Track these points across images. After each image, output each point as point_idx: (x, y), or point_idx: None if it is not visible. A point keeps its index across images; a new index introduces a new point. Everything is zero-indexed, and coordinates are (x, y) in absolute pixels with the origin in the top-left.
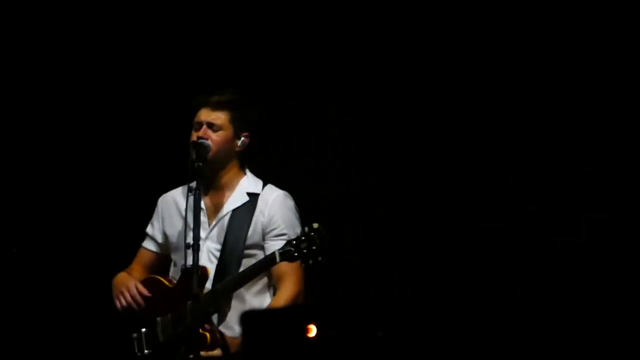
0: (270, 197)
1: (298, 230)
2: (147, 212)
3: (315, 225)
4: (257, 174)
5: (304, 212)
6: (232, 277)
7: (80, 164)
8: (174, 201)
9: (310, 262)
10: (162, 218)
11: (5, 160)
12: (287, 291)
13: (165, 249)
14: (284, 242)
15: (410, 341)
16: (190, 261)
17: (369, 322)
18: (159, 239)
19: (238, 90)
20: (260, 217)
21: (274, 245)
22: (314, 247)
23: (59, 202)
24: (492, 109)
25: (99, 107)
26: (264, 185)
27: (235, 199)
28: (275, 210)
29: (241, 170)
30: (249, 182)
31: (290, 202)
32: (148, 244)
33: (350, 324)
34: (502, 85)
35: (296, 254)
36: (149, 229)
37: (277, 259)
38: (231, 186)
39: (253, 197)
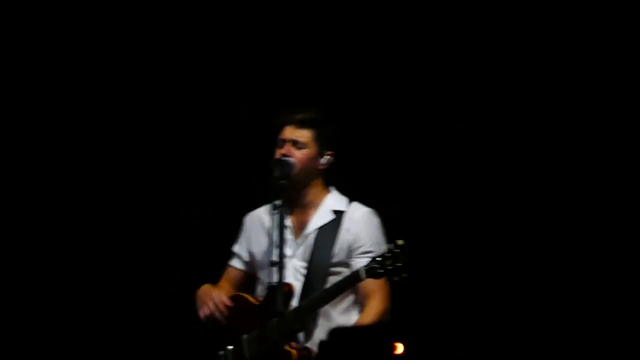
0: (355, 215)
1: (384, 247)
2: (231, 229)
3: (400, 242)
4: (342, 191)
5: (388, 229)
6: (317, 294)
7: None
8: (260, 219)
9: (395, 279)
10: (249, 236)
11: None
12: (374, 308)
13: (252, 267)
14: (370, 259)
15: None
16: (275, 279)
17: (452, 340)
18: (245, 257)
19: (322, 109)
20: (346, 234)
21: (360, 263)
22: (399, 264)
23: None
24: None
25: (190, 129)
26: (349, 203)
27: (320, 217)
28: (362, 228)
29: (325, 188)
30: (334, 200)
31: (375, 220)
32: (235, 262)
33: (433, 342)
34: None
35: (381, 271)
36: (236, 248)
37: (363, 276)
38: (316, 204)
39: (338, 214)
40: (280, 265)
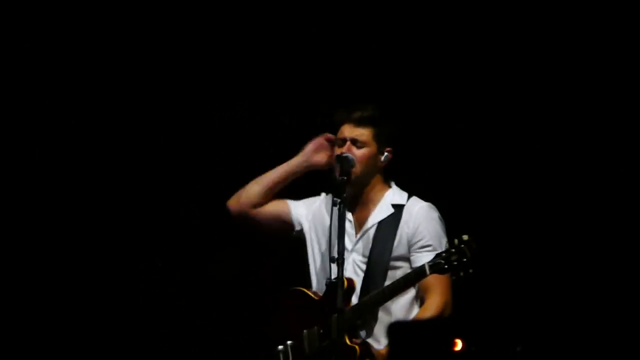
0: (414, 209)
1: (444, 241)
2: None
3: (465, 237)
4: (402, 187)
5: (450, 225)
6: (379, 290)
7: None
8: (320, 212)
9: (461, 274)
10: (313, 219)
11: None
12: (435, 303)
13: (291, 228)
14: (430, 253)
15: (548, 357)
16: (335, 274)
17: (509, 336)
18: (302, 216)
19: (380, 106)
20: (405, 228)
21: (420, 257)
22: (465, 260)
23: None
24: None
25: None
26: (408, 198)
27: (380, 211)
28: (420, 222)
29: (386, 183)
30: (393, 195)
31: (434, 214)
32: (292, 203)
33: (490, 338)
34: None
35: (446, 267)
36: (300, 202)
37: (427, 272)
38: (376, 200)
39: (398, 208)
40: (340, 261)
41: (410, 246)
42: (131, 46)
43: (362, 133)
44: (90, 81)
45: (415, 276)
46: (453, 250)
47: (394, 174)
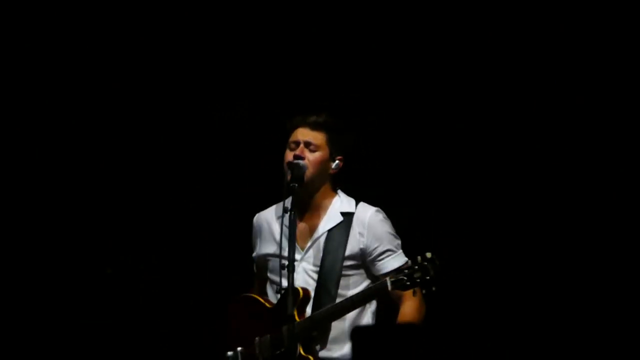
0: (365, 217)
1: (398, 242)
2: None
3: (429, 255)
4: (348, 193)
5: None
6: (337, 304)
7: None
8: (267, 221)
9: (424, 291)
10: (260, 237)
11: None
12: (413, 307)
13: (262, 269)
14: (392, 257)
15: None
16: (286, 282)
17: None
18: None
19: (335, 113)
20: (357, 236)
21: (383, 264)
22: (428, 277)
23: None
24: None
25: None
26: (356, 204)
27: (329, 220)
28: (374, 230)
29: (333, 191)
30: (341, 202)
31: (382, 216)
32: (255, 269)
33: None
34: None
35: (408, 283)
36: (255, 254)
37: (389, 287)
38: (324, 207)
39: (347, 216)
40: (289, 269)
41: (367, 255)
42: (131, 46)
43: (316, 137)
44: (90, 81)
45: (377, 291)
46: (416, 267)
47: (340, 184)
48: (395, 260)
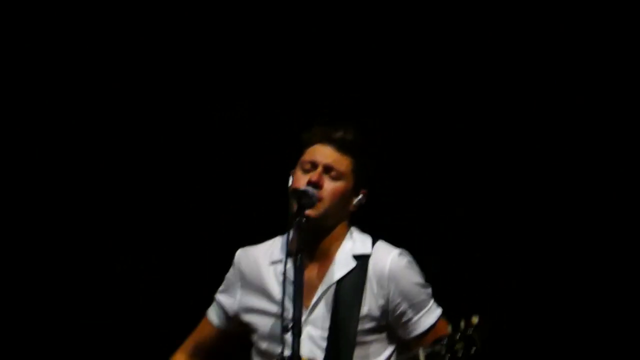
0: (385, 264)
1: (428, 291)
2: (230, 232)
3: (475, 320)
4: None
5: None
6: None
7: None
8: (257, 265)
9: None
10: (242, 286)
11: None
12: None
13: (236, 326)
14: (421, 315)
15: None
16: (287, 352)
17: None
18: (232, 310)
19: (364, 132)
20: (377, 290)
21: (414, 326)
22: (473, 350)
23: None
24: None
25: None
26: (373, 243)
27: (339, 266)
28: (397, 281)
29: (347, 229)
30: (353, 241)
31: (407, 261)
32: (213, 315)
33: None
34: None
35: (449, 355)
36: (220, 296)
37: None
38: (333, 250)
39: (362, 260)
40: (295, 332)
41: (389, 314)
42: (131, 46)
43: (342, 161)
44: (90, 81)
45: None
46: (458, 335)
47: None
48: (427, 318)
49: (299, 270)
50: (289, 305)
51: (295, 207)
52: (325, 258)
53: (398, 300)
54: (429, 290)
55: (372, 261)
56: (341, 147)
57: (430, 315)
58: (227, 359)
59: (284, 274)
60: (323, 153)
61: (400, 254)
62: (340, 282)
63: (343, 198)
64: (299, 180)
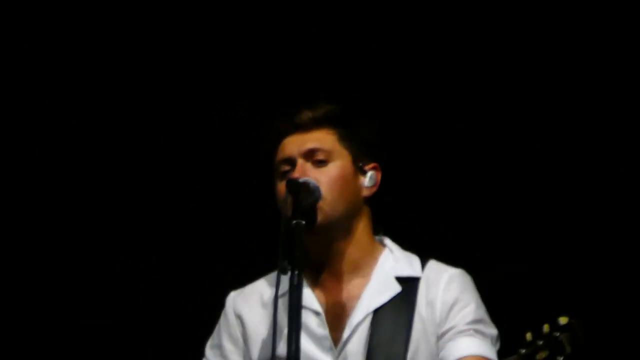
0: (441, 279)
1: (494, 331)
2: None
3: (564, 320)
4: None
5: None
6: None
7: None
8: (261, 301)
9: None
10: (243, 333)
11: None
12: None
13: None
14: (482, 330)
15: None
16: None
17: None
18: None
19: (338, 100)
20: (425, 309)
21: (472, 343)
22: (562, 356)
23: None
24: None
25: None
26: (423, 263)
27: (377, 290)
28: (455, 291)
29: (374, 233)
30: (395, 259)
31: (470, 280)
32: None
33: None
34: None
35: None
36: (210, 352)
37: None
38: (363, 265)
39: (409, 284)
40: None
41: (441, 331)
42: (131, 46)
43: (322, 138)
44: (90, 81)
45: None
46: (541, 342)
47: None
48: (479, 347)
49: (296, 293)
50: (308, 344)
51: (290, 205)
52: (354, 275)
53: (460, 310)
54: (495, 332)
55: (424, 284)
56: (315, 123)
57: (484, 347)
58: None
59: (275, 299)
60: (294, 142)
61: (462, 272)
62: (378, 311)
63: (345, 181)
64: (280, 187)
